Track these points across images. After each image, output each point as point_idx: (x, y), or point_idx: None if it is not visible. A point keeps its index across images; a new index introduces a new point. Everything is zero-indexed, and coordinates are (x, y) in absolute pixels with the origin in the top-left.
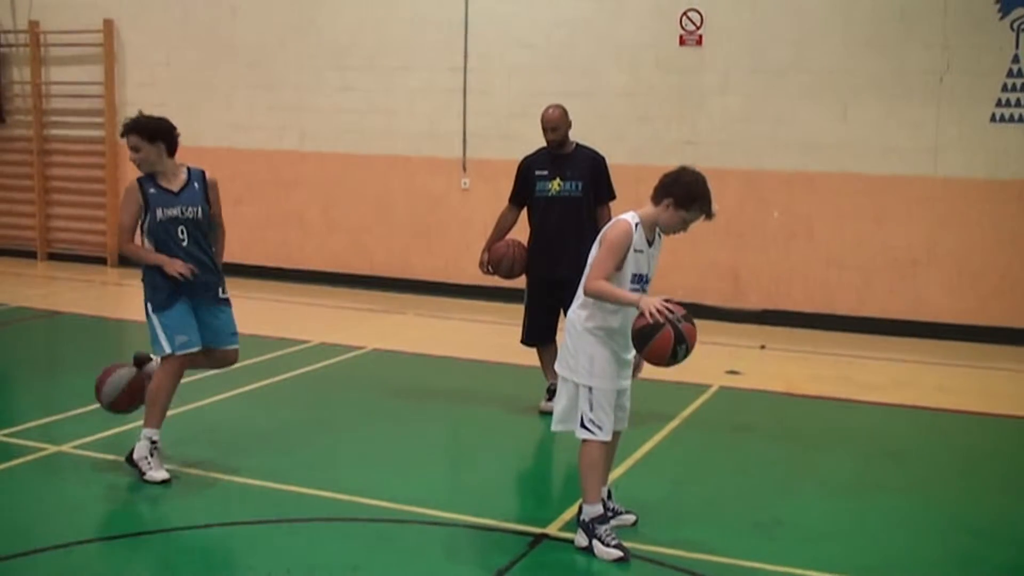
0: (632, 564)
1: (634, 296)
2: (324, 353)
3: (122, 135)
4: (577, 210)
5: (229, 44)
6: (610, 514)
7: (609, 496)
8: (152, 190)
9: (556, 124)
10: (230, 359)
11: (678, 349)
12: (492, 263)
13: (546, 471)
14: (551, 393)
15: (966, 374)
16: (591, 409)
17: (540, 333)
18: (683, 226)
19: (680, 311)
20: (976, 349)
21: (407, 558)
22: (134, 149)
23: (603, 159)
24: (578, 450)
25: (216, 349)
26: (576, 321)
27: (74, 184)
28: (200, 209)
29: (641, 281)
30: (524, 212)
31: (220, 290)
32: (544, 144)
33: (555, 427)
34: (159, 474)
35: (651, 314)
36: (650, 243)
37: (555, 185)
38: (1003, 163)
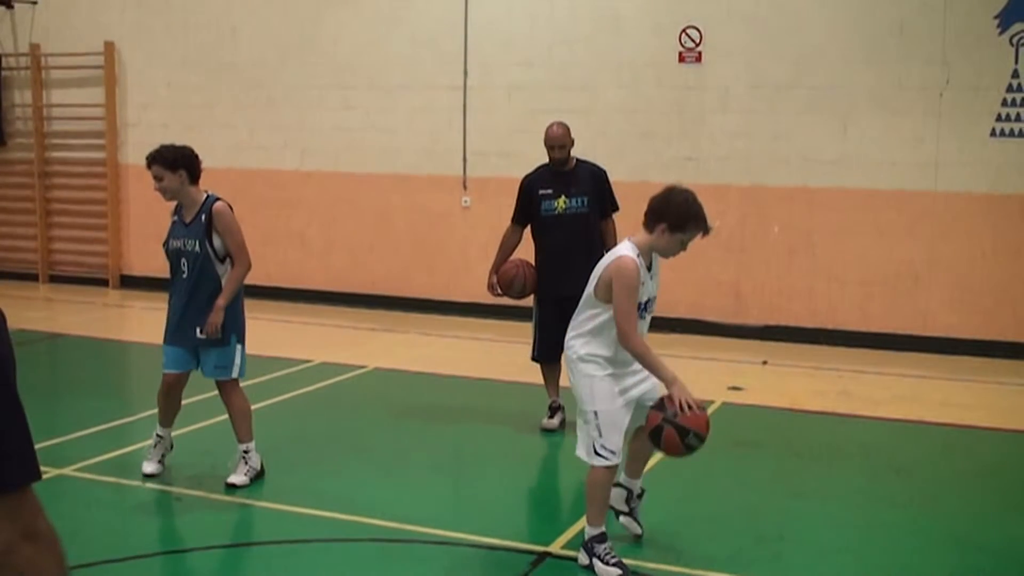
0: None
1: (671, 374)
2: (326, 372)
3: (147, 166)
4: (585, 226)
5: (230, 64)
6: (627, 510)
7: (640, 496)
8: (175, 218)
9: (562, 142)
10: (219, 388)
11: (689, 441)
12: (503, 285)
13: (549, 489)
14: (553, 411)
15: (969, 388)
16: (600, 435)
17: (553, 349)
18: (681, 247)
19: (680, 404)
20: (979, 363)
21: None
22: (157, 179)
23: (604, 172)
24: (587, 474)
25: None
26: (571, 350)
27: (75, 206)
28: (198, 243)
29: (646, 308)
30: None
31: (197, 331)
32: (545, 162)
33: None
34: (145, 466)
35: (680, 404)
36: (649, 269)
37: (560, 203)
38: (1003, 177)
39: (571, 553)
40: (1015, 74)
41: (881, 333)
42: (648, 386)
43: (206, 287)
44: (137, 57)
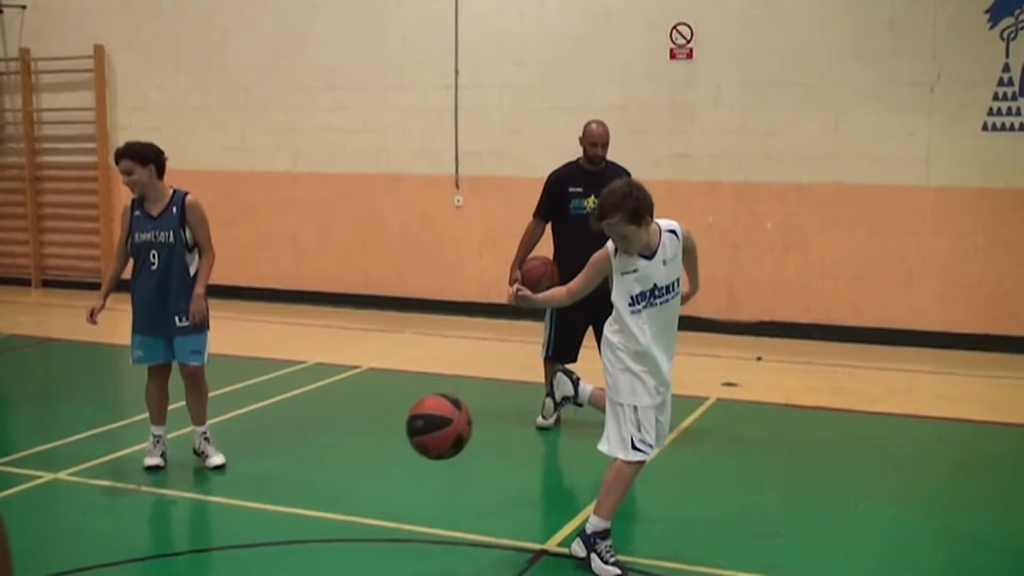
0: None
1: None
2: (320, 373)
3: (115, 162)
4: None
5: (220, 66)
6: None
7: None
8: (137, 213)
9: (605, 139)
10: (190, 372)
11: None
12: (528, 284)
13: (545, 487)
14: None
15: (963, 382)
16: (639, 429)
17: (568, 350)
18: (618, 238)
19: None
20: (972, 357)
21: None
22: (127, 173)
23: (629, 174)
24: (611, 466)
25: (182, 363)
26: (609, 340)
27: (67, 210)
28: (172, 234)
29: (644, 299)
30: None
31: (177, 319)
32: (573, 160)
33: (602, 448)
34: (147, 460)
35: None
36: (648, 257)
37: (590, 202)
38: (995, 172)
39: (568, 551)
40: (1006, 68)
41: (875, 328)
42: (665, 419)
43: (177, 276)
44: (127, 60)
